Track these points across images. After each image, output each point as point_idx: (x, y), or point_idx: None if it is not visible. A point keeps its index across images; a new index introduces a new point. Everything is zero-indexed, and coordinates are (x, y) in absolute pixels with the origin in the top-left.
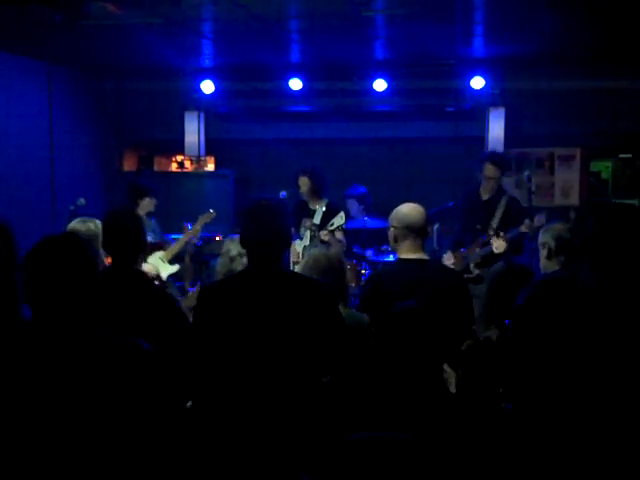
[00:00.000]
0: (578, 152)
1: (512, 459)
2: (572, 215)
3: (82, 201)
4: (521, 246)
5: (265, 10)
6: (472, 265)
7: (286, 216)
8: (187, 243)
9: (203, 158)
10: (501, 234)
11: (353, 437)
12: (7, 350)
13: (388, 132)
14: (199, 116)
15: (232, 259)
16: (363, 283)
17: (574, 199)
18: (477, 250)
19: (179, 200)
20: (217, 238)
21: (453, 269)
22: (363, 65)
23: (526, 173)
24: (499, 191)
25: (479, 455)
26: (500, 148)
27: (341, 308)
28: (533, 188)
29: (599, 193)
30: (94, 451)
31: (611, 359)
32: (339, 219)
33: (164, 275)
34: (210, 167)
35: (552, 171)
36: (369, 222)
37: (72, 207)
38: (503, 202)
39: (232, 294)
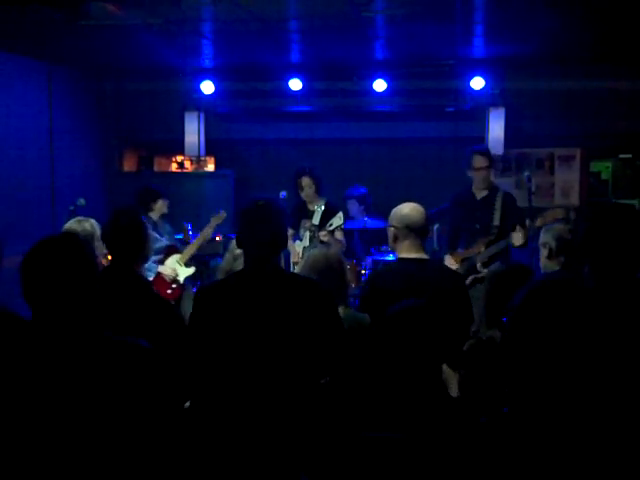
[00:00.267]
0: (578, 152)
1: (510, 460)
2: (572, 216)
3: (82, 201)
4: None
5: (265, 10)
6: (479, 264)
7: (283, 216)
8: (201, 245)
9: (203, 158)
10: (518, 227)
11: (353, 437)
12: (7, 351)
13: (388, 132)
14: (199, 116)
15: (235, 257)
16: (363, 283)
17: (574, 199)
18: (483, 249)
19: (179, 200)
20: (217, 238)
21: (452, 269)
22: (363, 65)
23: (526, 173)
24: (493, 188)
25: (479, 455)
26: (500, 148)
27: (342, 309)
28: (533, 188)
29: (599, 193)
30: (94, 452)
31: (607, 360)
32: (337, 219)
33: (182, 278)
34: (210, 167)
35: (552, 171)
36: (369, 222)
37: (72, 207)
38: (499, 198)
39: (229, 294)
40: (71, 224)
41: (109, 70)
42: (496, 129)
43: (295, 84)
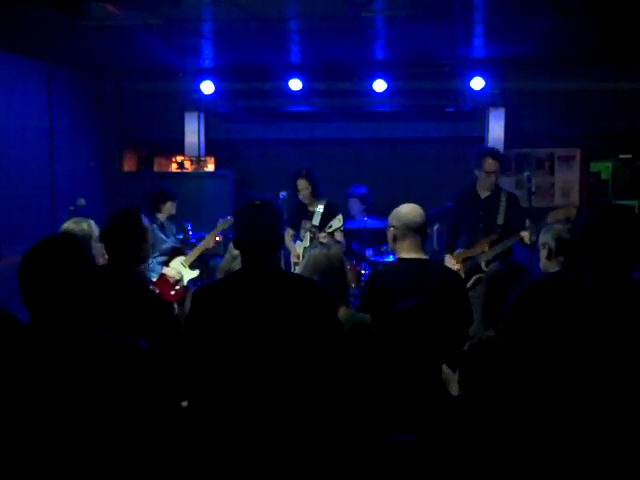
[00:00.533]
0: (578, 152)
1: (509, 460)
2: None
3: (82, 201)
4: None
5: (265, 10)
6: (483, 264)
7: (280, 216)
8: (207, 249)
9: (203, 158)
10: (528, 224)
11: (353, 437)
12: (6, 352)
13: (388, 132)
14: (199, 116)
15: (234, 257)
16: (363, 283)
17: (574, 200)
18: (487, 249)
19: (179, 200)
20: (217, 238)
21: (452, 269)
22: (363, 65)
23: (526, 174)
24: (497, 188)
25: (478, 455)
26: (500, 148)
27: (343, 309)
28: (533, 189)
29: (599, 193)
30: (93, 453)
31: (605, 360)
32: (337, 222)
33: (185, 280)
34: (210, 167)
35: (552, 171)
36: (369, 222)
37: (72, 207)
38: (503, 198)
39: (226, 295)
40: (69, 224)
41: (109, 70)
42: (496, 129)
43: (295, 84)
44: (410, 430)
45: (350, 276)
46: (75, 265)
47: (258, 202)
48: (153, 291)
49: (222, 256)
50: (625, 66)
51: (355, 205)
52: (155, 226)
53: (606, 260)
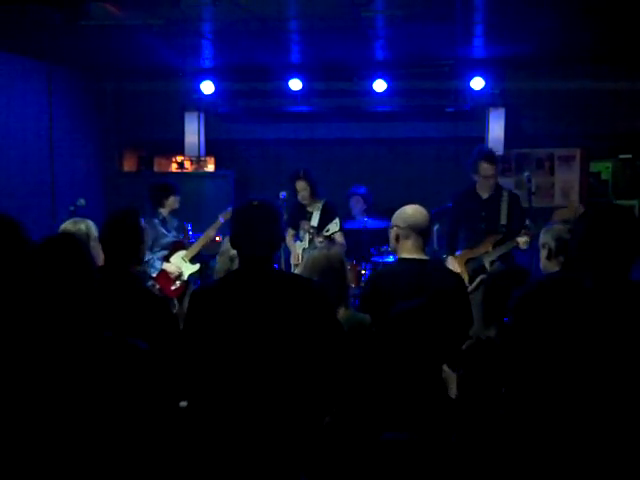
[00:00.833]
0: (578, 152)
1: (508, 460)
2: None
3: (82, 201)
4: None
5: (265, 10)
6: (488, 264)
7: (277, 217)
8: (207, 243)
9: (203, 158)
10: (524, 230)
11: (353, 438)
12: (5, 350)
13: (388, 132)
14: (199, 116)
15: (232, 258)
16: (363, 283)
17: (574, 200)
18: (491, 249)
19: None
20: (217, 238)
21: (452, 270)
22: (363, 66)
23: (526, 174)
24: (498, 187)
25: (478, 455)
26: (500, 148)
27: (342, 309)
28: (533, 189)
29: (599, 193)
30: (91, 453)
31: (604, 359)
32: (334, 226)
33: (186, 275)
34: (210, 167)
35: (552, 172)
36: (369, 222)
37: (72, 207)
38: (505, 198)
39: (224, 295)
40: (66, 225)
41: (109, 70)
42: (496, 129)
43: (295, 84)
44: (410, 429)
45: (350, 276)
46: (74, 264)
47: (256, 202)
48: (152, 289)
49: None
50: (625, 66)
51: (358, 203)
52: (157, 221)
53: (603, 260)
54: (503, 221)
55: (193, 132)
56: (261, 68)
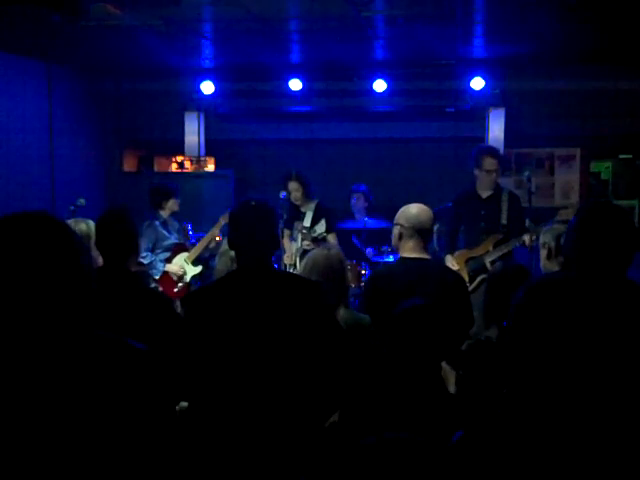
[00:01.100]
0: (578, 152)
1: (508, 460)
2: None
3: (82, 201)
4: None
5: (265, 10)
6: (488, 264)
7: (275, 217)
8: (209, 245)
9: (203, 158)
10: (526, 225)
11: (353, 438)
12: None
13: (388, 132)
14: (199, 116)
15: (232, 259)
16: (363, 283)
17: (574, 200)
18: (491, 248)
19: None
20: (217, 238)
21: (452, 269)
22: (363, 65)
23: (526, 174)
24: (497, 187)
25: (478, 455)
26: (500, 148)
27: (342, 309)
28: (533, 189)
29: (599, 193)
30: (86, 456)
31: (604, 358)
32: (320, 226)
33: (188, 276)
34: (210, 167)
35: (552, 171)
36: (369, 222)
37: (72, 207)
38: (505, 197)
39: (222, 295)
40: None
41: (109, 70)
42: (496, 129)
43: (295, 84)
44: (409, 429)
45: (350, 276)
46: (73, 265)
47: (254, 202)
48: (154, 288)
49: None
50: (625, 66)
51: (360, 200)
52: (158, 223)
53: (596, 258)
54: (503, 221)
55: (193, 132)
56: (261, 68)
